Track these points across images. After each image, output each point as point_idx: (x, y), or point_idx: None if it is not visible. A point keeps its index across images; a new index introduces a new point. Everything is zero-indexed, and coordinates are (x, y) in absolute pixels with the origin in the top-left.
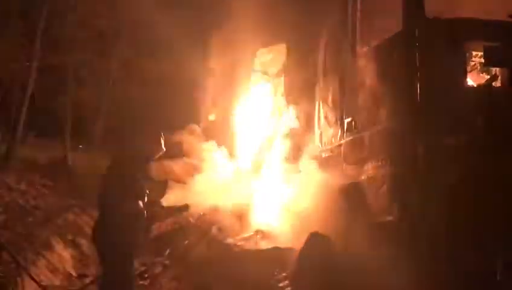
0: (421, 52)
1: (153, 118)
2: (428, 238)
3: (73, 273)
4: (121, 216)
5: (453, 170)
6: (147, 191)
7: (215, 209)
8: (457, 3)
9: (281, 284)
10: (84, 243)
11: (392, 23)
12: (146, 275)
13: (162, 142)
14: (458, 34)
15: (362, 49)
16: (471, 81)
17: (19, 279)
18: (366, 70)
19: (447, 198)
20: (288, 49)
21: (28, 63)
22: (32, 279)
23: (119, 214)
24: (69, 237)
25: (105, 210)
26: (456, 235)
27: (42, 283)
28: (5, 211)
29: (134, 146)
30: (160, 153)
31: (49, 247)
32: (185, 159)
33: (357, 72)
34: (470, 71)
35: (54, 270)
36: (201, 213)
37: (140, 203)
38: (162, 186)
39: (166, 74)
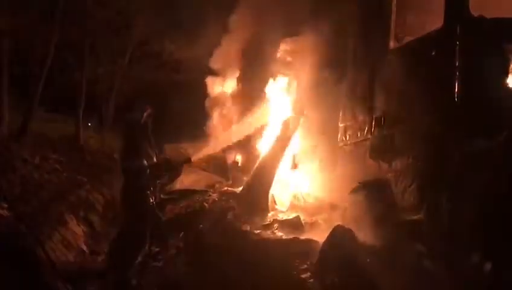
0: (462, 50)
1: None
2: (459, 238)
3: (86, 250)
4: (123, 172)
5: (485, 170)
6: (153, 152)
7: (231, 196)
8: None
9: (303, 276)
10: (96, 220)
11: (431, 19)
12: (160, 257)
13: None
14: (502, 34)
15: (396, 44)
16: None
17: (37, 251)
18: (400, 66)
19: (479, 198)
20: (315, 39)
21: (47, 38)
22: (46, 255)
23: (122, 171)
24: (82, 213)
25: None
26: (488, 236)
27: (58, 258)
28: (21, 183)
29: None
30: (150, 118)
31: (63, 222)
32: (204, 143)
33: (389, 67)
34: (510, 73)
35: (68, 246)
36: (216, 199)
37: (144, 161)
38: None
39: (184, 59)
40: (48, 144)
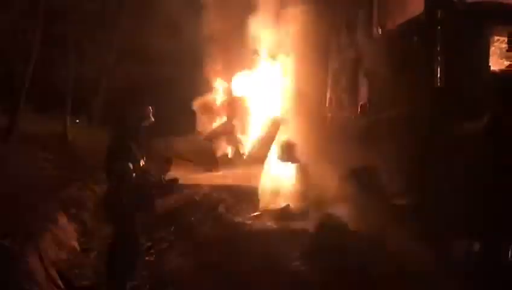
0: (443, 35)
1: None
2: (446, 220)
3: (78, 247)
4: (110, 176)
5: (470, 153)
6: (141, 156)
7: (222, 188)
8: None
9: (294, 264)
10: (87, 218)
11: (413, 5)
12: (152, 251)
13: (151, 113)
14: (483, 17)
15: (379, 32)
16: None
17: (27, 250)
18: (383, 53)
19: (465, 180)
20: (299, 28)
21: (31, 35)
22: (39, 255)
23: (109, 175)
24: (72, 211)
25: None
26: (473, 217)
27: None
28: (10, 183)
29: (125, 116)
30: (149, 122)
31: (54, 220)
32: (193, 137)
33: (373, 55)
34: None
35: (59, 244)
36: (206, 191)
37: (130, 165)
38: (165, 163)
39: (170, 52)
40: (36, 142)
